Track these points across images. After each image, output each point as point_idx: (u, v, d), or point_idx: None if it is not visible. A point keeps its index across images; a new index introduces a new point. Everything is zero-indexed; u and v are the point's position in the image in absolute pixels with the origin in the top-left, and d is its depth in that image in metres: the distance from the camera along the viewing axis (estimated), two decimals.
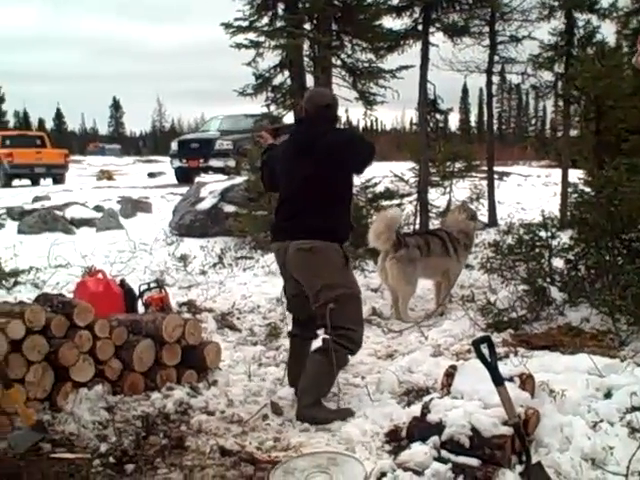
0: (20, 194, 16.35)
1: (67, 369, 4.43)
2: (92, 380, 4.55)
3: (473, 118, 68.84)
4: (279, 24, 9.63)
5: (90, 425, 4.21)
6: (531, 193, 19.30)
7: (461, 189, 13.28)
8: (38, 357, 4.34)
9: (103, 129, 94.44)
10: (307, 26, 9.78)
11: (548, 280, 6.72)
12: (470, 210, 8.21)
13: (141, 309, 6.41)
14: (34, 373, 4.30)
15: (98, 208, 13.46)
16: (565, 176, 13.20)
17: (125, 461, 3.74)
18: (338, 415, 4.40)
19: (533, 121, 64.67)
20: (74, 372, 4.46)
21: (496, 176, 15.92)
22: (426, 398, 4.06)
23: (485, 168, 14.17)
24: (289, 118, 9.97)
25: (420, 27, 11.13)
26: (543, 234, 7.05)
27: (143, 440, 4.02)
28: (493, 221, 13.33)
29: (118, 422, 4.28)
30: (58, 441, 4.00)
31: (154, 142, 78.70)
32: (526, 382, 3.88)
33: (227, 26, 9.34)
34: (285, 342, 6.13)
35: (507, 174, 24.52)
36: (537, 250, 7.01)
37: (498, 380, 3.43)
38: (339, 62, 9.89)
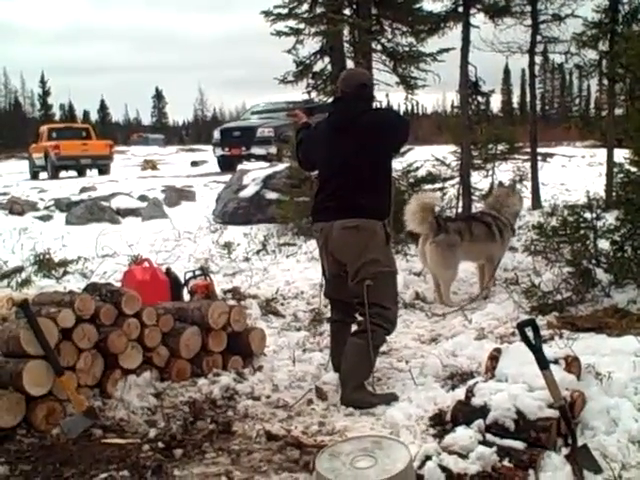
0: (67, 185, 16.67)
1: (116, 356, 4.53)
2: (140, 367, 4.65)
3: (516, 99, 67.87)
4: (319, 10, 9.60)
5: (139, 411, 4.31)
6: (575, 174, 19.01)
7: (504, 172, 13.15)
8: (88, 345, 4.43)
9: (146, 119, 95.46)
10: (347, 11, 9.74)
11: (593, 262, 6.63)
12: (518, 191, 8.19)
13: (187, 297, 6.50)
14: (84, 361, 4.40)
15: (143, 198, 13.66)
16: (610, 156, 12.95)
17: (174, 446, 3.81)
18: (382, 399, 4.43)
19: (577, 101, 63.47)
20: (123, 359, 4.56)
21: (540, 157, 15.68)
22: (470, 382, 4.07)
23: (528, 150, 13.99)
24: None
25: (460, 8, 10.97)
26: (588, 215, 6.96)
27: (191, 425, 4.10)
28: (537, 203, 13.17)
29: (166, 408, 4.38)
30: (109, 427, 4.10)
31: (196, 131, 79.29)
32: (572, 365, 3.86)
33: (267, 14, 9.35)
34: (329, 328, 6.17)
35: (551, 155, 24.19)
36: (582, 231, 6.91)
37: (543, 363, 3.42)
38: (379, 47, 9.83)
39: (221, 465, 3.64)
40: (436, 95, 79.47)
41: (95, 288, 4.99)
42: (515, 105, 64.78)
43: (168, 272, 6.66)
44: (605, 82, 14.24)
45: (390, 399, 4.43)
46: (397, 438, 3.12)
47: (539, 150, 15.07)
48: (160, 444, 3.83)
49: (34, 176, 24.86)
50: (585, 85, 58.30)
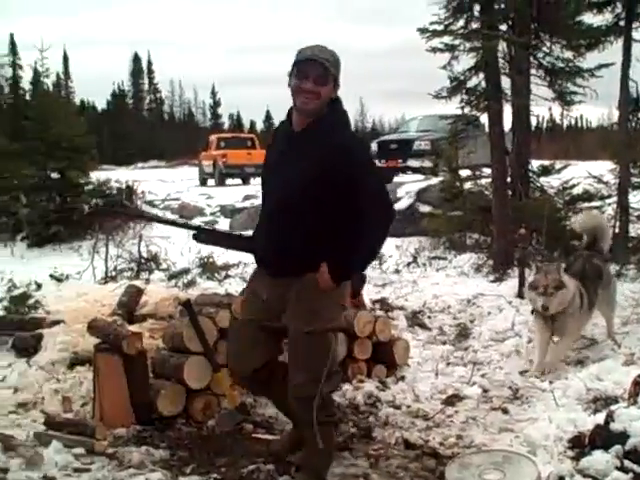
0: (232, 193, 17.45)
1: None
2: None
3: None
4: (474, 26, 9.58)
5: None
6: None
7: None
8: None
9: None
10: (503, 27, 9.69)
11: None
12: None
13: None
14: None
15: None
16: None
17: None
18: None
19: None
20: None
21: None
22: (612, 407, 4.01)
23: None
24: (483, 120, 10.04)
25: (622, 22, 10.60)
26: None
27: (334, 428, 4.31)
28: None
29: None
30: (259, 423, 4.40)
31: None
32: None
33: (423, 31, 9.39)
34: (474, 343, 6.23)
35: None
36: None
37: None
38: (535, 62, 9.70)
39: (360, 467, 3.84)
40: (602, 109, 75.62)
41: None
42: None
43: None
44: None
45: None
46: (527, 454, 3.19)
47: None
48: None
49: (203, 183, 25.99)
50: None
